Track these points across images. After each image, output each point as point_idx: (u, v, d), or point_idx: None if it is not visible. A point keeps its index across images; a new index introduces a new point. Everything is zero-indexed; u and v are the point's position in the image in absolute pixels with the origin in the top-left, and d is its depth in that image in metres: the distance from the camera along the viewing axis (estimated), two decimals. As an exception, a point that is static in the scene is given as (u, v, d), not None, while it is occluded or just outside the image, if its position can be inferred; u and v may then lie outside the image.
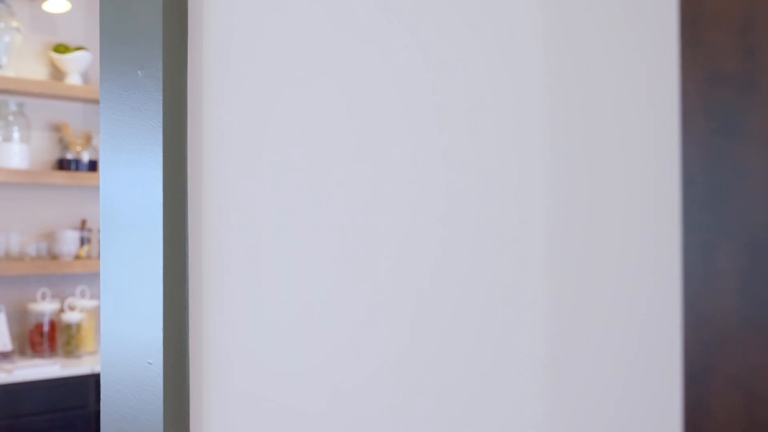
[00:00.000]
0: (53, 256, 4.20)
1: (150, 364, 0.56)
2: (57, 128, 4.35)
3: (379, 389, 0.54)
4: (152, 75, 0.56)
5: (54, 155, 4.32)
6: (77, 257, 4.24)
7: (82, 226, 4.34)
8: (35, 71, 4.28)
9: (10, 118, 4.01)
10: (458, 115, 0.52)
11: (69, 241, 4.19)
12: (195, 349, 0.57)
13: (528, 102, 0.54)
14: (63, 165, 4.23)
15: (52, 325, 4.13)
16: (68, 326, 4.07)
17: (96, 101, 4.38)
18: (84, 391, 3.84)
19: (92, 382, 3.86)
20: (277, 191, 0.56)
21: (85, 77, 4.39)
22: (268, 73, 0.58)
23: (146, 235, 0.55)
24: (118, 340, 0.59)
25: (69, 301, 4.15)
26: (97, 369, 3.86)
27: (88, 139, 4.28)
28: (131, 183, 0.57)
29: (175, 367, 0.55)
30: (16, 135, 4.04)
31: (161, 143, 0.54)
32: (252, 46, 0.58)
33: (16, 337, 4.10)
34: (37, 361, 3.89)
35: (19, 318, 4.14)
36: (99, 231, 4.37)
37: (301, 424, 0.56)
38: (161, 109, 0.55)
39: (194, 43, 0.58)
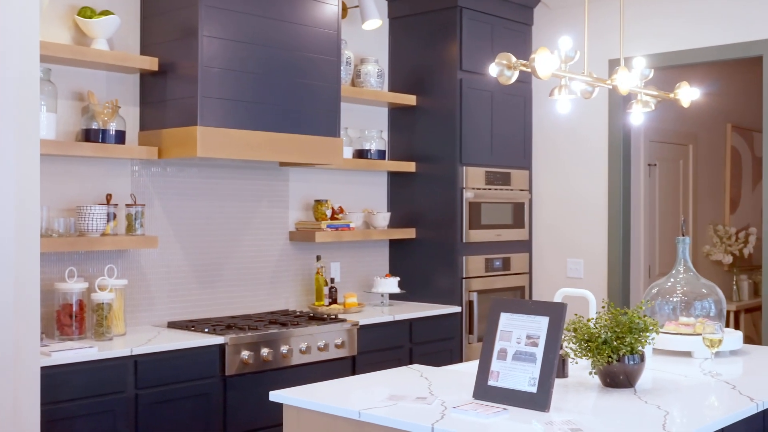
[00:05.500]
0: (80, 233, 3.96)
1: None
2: (81, 97, 4.10)
3: None
4: None
5: (78, 126, 4.07)
6: (103, 234, 4.01)
7: (107, 200, 4.10)
8: (58, 36, 4.02)
9: (38, 85, 3.75)
10: None
11: (96, 217, 3.95)
12: None
13: None
14: (89, 136, 3.99)
15: (80, 305, 3.90)
16: (99, 307, 3.85)
17: (124, 69, 4.14)
18: (122, 375, 3.63)
19: (131, 364, 3.66)
20: None
21: (110, 43, 4.14)
22: None
23: None
24: None
25: (99, 280, 3.92)
26: (137, 351, 3.65)
27: (115, 109, 4.04)
28: None
29: None
30: (42, 104, 3.78)
31: None
32: None
33: (41, 318, 3.84)
34: (71, 344, 3.67)
35: (44, 298, 3.89)
36: (125, 206, 4.14)
37: None
38: None
39: None
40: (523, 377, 2.60)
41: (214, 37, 4.08)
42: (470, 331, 5.32)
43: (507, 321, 2.72)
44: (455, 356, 5.22)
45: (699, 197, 7.09)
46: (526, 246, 5.80)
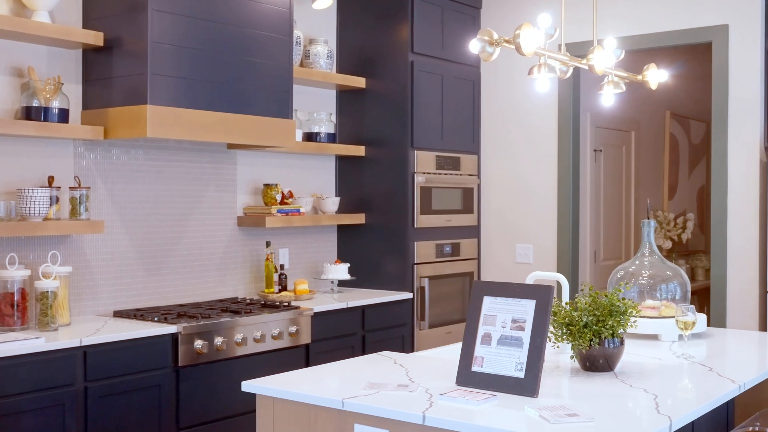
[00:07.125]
0: (21, 217, 3.73)
1: None
2: (20, 73, 3.85)
3: None
4: None
5: (17, 103, 3.82)
6: (46, 218, 3.78)
7: (50, 183, 3.87)
8: (-4, 7, 3.76)
9: (-25, 58, 3.51)
10: None
11: (38, 201, 3.72)
12: None
13: None
14: (30, 114, 3.75)
15: (23, 294, 3.67)
16: (44, 295, 3.62)
17: (66, 43, 3.90)
18: (71, 367, 3.42)
19: (79, 356, 3.45)
20: None
21: (51, 16, 3.89)
22: None
23: None
24: None
25: (44, 267, 3.69)
26: (86, 342, 3.45)
27: (57, 86, 3.80)
28: None
29: None
30: (-20, 78, 3.53)
31: None
32: None
33: (-20, 308, 3.61)
34: (15, 335, 3.44)
35: (-18, 286, 3.65)
36: (68, 189, 3.91)
37: None
38: None
39: None
40: (510, 362, 2.52)
41: (165, 12, 3.88)
42: (422, 318, 5.24)
43: (491, 305, 2.63)
44: (407, 343, 5.14)
45: (640, 183, 7.17)
46: (474, 231, 5.75)
